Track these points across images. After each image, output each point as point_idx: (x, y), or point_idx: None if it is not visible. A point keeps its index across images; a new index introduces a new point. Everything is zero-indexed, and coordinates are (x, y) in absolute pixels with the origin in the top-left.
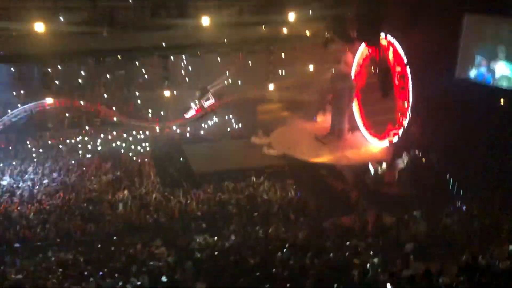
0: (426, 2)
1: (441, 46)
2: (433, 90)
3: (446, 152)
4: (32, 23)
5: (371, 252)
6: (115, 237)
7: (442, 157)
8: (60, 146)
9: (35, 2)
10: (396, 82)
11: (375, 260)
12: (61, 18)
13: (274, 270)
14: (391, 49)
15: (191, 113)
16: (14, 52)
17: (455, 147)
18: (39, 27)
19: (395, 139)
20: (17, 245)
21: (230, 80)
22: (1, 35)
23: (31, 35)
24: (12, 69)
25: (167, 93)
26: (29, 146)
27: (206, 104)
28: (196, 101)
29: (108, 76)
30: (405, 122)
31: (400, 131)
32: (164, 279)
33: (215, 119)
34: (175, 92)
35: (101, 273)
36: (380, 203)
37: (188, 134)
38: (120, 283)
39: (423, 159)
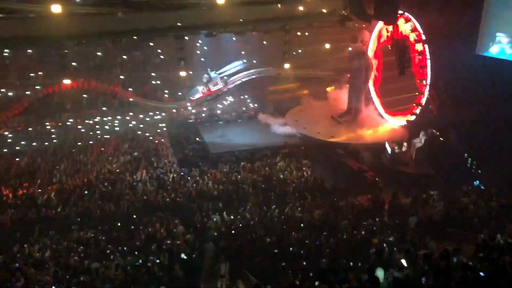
0: None
1: (461, 23)
2: (452, 69)
3: (464, 131)
4: (48, 4)
5: (388, 232)
6: (134, 216)
7: (460, 136)
8: (79, 127)
9: None
10: (416, 61)
11: (391, 239)
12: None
13: (290, 248)
14: (409, 26)
15: (197, 96)
16: (30, 34)
17: (474, 126)
18: (56, 8)
19: (412, 118)
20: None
21: (245, 61)
22: (17, 17)
23: (48, 17)
24: (30, 50)
25: (183, 73)
26: (48, 127)
27: (214, 88)
28: (204, 84)
29: (124, 57)
30: (423, 100)
31: (418, 110)
32: (183, 256)
33: (231, 98)
34: (191, 72)
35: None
36: (397, 182)
37: (204, 114)
38: (140, 261)
39: (441, 138)
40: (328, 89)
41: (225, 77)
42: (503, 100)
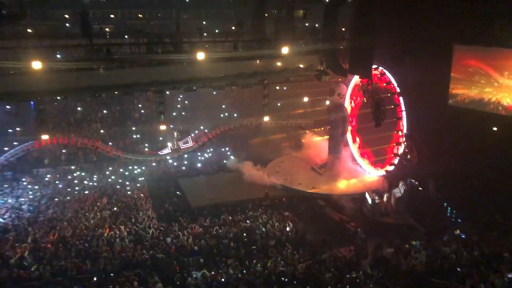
0: (417, 34)
1: (433, 76)
2: (427, 119)
3: (442, 181)
4: (30, 61)
5: (371, 285)
6: (111, 274)
7: (439, 186)
8: (57, 182)
9: (33, 41)
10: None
11: None
12: (58, 55)
13: None
14: (383, 80)
15: (166, 152)
16: (11, 90)
17: (451, 176)
18: (37, 65)
19: (391, 168)
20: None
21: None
22: None
23: (29, 73)
24: (8, 106)
25: (163, 127)
26: (25, 183)
27: (183, 146)
28: (174, 141)
29: (104, 111)
30: (400, 151)
31: (396, 160)
32: None
33: (211, 151)
34: (171, 126)
35: None
36: (379, 233)
37: (184, 167)
38: None
39: (420, 187)
40: (304, 140)
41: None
42: (476, 149)
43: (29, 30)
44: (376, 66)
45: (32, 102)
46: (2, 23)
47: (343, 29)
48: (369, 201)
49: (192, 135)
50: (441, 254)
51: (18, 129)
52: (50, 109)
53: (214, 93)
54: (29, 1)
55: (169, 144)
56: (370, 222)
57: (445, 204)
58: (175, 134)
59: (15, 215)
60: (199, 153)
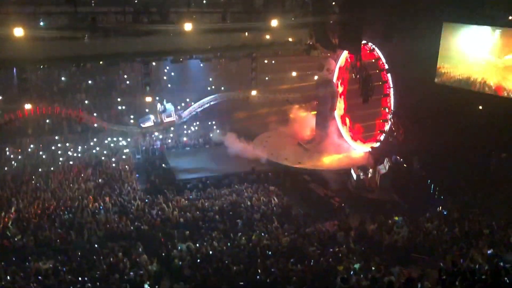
0: (407, 10)
1: (421, 53)
2: (414, 97)
3: (427, 158)
4: (11, 27)
5: (354, 258)
6: (96, 245)
7: (423, 163)
8: (41, 153)
9: (14, 7)
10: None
11: (357, 266)
12: (41, 23)
13: (257, 277)
14: (372, 56)
15: (148, 124)
16: None
17: (436, 153)
18: (18, 31)
19: (377, 145)
20: None
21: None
22: None
23: (11, 40)
24: None
25: (148, 99)
26: (8, 153)
27: (166, 120)
28: (157, 114)
29: (89, 81)
30: (387, 128)
31: (382, 137)
32: (147, 287)
33: (197, 124)
34: (157, 98)
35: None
36: (362, 208)
37: (170, 140)
38: None
39: (405, 165)
40: (292, 115)
41: (180, 111)
42: (461, 128)
43: None
44: (365, 41)
45: (14, 70)
46: None
47: (333, 3)
48: (354, 176)
49: (174, 109)
50: (423, 230)
51: (0, 97)
52: (33, 78)
53: (201, 65)
54: None
55: (152, 117)
56: (355, 197)
57: (429, 181)
58: (158, 106)
59: None
60: (185, 126)
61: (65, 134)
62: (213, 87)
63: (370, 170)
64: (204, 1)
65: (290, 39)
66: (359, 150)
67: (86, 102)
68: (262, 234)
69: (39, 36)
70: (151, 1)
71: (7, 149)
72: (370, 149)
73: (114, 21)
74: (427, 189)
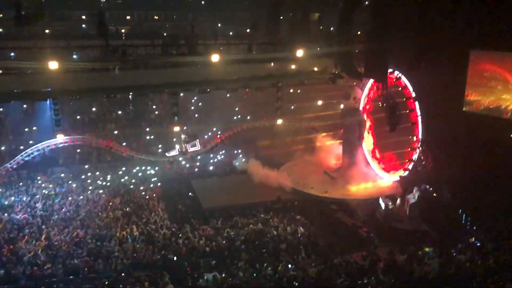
0: (433, 38)
1: (449, 81)
2: (443, 124)
3: (458, 187)
4: (46, 61)
5: None
6: (122, 274)
7: (454, 192)
8: (70, 182)
9: (49, 41)
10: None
11: None
12: (74, 56)
13: None
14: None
15: (173, 154)
16: (28, 89)
17: (467, 182)
18: (53, 65)
19: (405, 174)
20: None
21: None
22: (16, 72)
23: (46, 73)
24: (25, 106)
25: (176, 128)
26: (40, 182)
27: (191, 149)
28: (182, 144)
29: (119, 112)
30: (415, 156)
31: (410, 166)
32: None
33: (223, 153)
34: (185, 127)
35: None
36: (391, 238)
37: (196, 169)
38: None
39: (435, 194)
40: (318, 144)
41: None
42: (492, 156)
43: (46, 31)
44: (391, 70)
45: (48, 102)
46: (20, 24)
47: (358, 32)
48: (383, 206)
49: (199, 139)
50: (455, 261)
51: (34, 128)
52: (65, 109)
53: (228, 95)
54: (46, 1)
55: (177, 146)
56: (383, 227)
57: (460, 211)
58: (183, 137)
59: (30, 213)
60: (211, 155)
61: (94, 163)
62: (239, 116)
63: (399, 200)
64: (231, 33)
65: (316, 68)
66: (387, 179)
67: (116, 132)
68: (289, 265)
69: (72, 69)
70: (179, 34)
71: (38, 178)
72: (399, 178)
73: (143, 53)
74: (458, 219)
